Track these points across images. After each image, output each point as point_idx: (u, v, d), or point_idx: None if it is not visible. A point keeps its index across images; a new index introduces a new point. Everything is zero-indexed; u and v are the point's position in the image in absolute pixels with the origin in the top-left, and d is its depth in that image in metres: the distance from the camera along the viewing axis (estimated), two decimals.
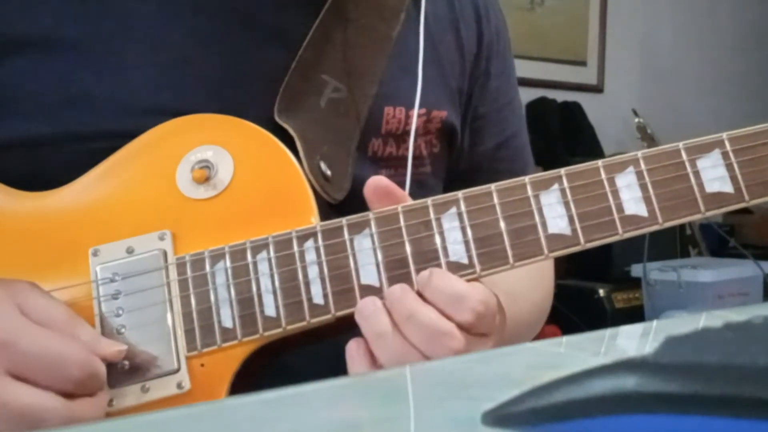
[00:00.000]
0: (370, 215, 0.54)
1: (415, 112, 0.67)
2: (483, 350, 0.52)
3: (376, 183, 0.55)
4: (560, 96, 2.80)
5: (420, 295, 0.52)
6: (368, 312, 0.52)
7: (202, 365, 0.54)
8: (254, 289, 0.54)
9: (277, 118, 0.61)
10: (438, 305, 0.51)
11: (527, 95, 2.58)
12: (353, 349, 0.53)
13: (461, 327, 0.51)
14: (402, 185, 0.57)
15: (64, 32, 0.59)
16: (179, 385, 0.54)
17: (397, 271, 0.53)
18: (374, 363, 0.52)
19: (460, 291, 0.51)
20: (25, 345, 0.48)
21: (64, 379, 0.48)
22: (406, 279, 0.53)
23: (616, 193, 0.53)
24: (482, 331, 0.52)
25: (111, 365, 0.51)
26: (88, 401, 0.49)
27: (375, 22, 0.68)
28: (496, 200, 0.53)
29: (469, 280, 0.53)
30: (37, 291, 0.52)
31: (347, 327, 0.54)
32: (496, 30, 0.78)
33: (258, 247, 0.55)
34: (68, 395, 0.48)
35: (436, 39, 0.71)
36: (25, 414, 0.47)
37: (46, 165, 0.59)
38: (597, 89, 2.96)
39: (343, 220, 0.54)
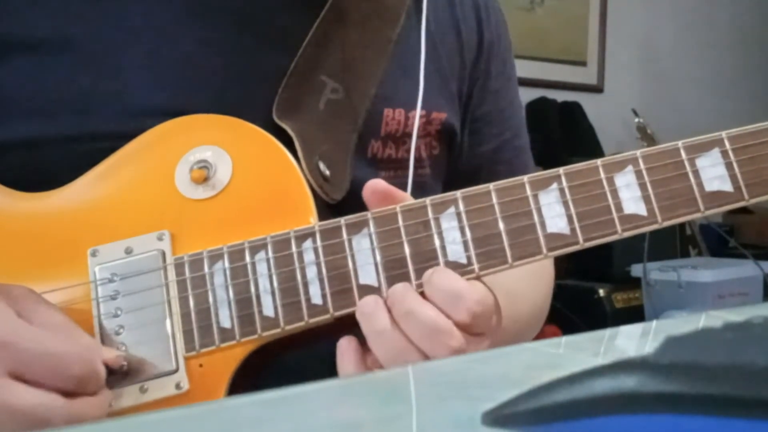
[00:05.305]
0: (369, 215, 0.54)
1: (417, 114, 0.66)
2: (479, 350, 0.52)
3: (374, 186, 0.55)
4: (560, 96, 2.80)
5: (422, 294, 0.52)
6: (369, 309, 0.52)
7: (201, 365, 0.54)
8: (253, 289, 0.54)
9: (275, 119, 0.61)
10: (436, 302, 0.51)
11: (527, 95, 2.57)
12: (343, 346, 0.53)
13: (458, 326, 0.51)
14: (402, 187, 0.57)
15: (63, 34, 0.59)
16: (178, 386, 0.54)
17: (395, 271, 0.53)
18: (363, 361, 0.52)
19: (457, 289, 0.51)
20: (26, 345, 0.48)
21: (65, 378, 0.48)
22: (405, 279, 0.53)
23: (615, 192, 0.52)
24: (479, 330, 0.52)
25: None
26: (91, 400, 0.49)
27: (375, 23, 0.67)
28: (494, 200, 0.53)
29: (467, 280, 0.53)
30: (34, 296, 0.52)
31: (346, 327, 0.54)
32: (496, 31, 0.78)
33: (256, 248, 0.54)
34: (70, 395, 0.48)
35: (436, 40, 0.71)
36: (28, 414, 0.47)
37: (45, 166, 0.59)
38: (597, 89, 2.96)
39: (342, 220, 0.54)
